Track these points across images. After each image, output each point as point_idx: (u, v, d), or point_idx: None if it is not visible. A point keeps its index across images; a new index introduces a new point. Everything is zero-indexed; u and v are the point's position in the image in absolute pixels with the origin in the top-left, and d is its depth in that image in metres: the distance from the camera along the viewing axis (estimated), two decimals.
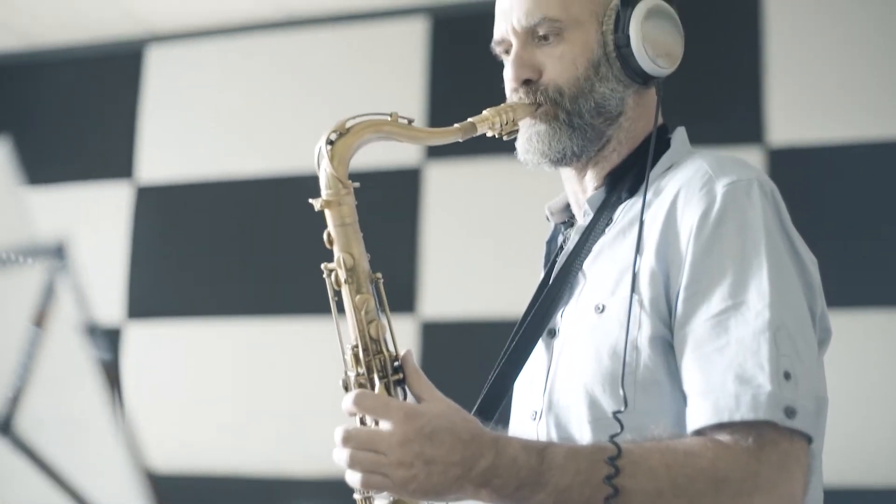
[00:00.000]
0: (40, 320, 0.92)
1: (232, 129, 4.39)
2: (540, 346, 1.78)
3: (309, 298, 4.05)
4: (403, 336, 3.96)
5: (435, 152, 4.06)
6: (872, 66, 3.73)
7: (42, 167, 4.61)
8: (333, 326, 1.63)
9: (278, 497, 4.04)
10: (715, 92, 3.86)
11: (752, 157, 3.70)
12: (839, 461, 3.33)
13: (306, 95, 4.33)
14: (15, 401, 0.92)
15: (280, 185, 4.28)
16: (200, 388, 4.27)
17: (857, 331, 3.52)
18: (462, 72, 4.09)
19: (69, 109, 4.65)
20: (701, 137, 3.68)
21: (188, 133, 4.47)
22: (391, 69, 4.26)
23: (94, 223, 4.51)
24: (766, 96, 3.79)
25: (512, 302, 3.53)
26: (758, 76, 3.81)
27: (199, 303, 4.34)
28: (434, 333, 3.98)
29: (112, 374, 0.94)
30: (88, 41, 4.62)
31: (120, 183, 4.49)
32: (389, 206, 4.17)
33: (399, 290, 4.02)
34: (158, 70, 4.55)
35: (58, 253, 0.93)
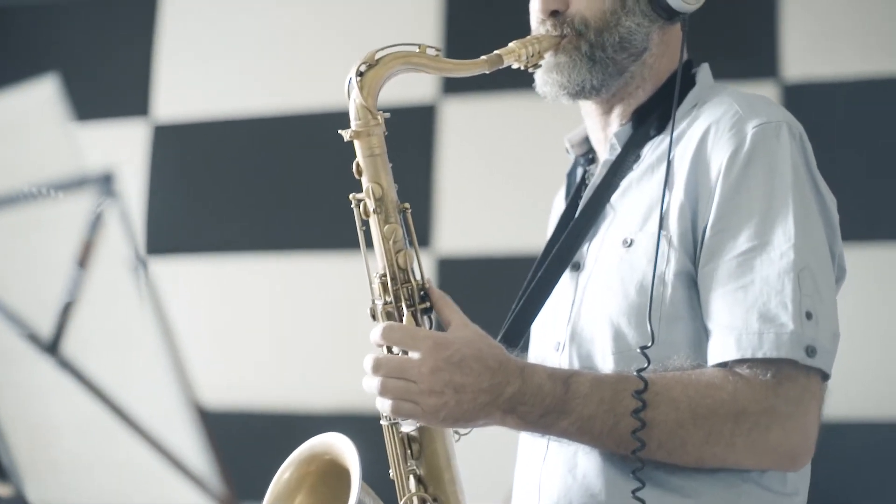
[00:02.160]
0: (88, 247, 0.95)
1: (247, 66, 4.39)
2: (565, 278, 1.80)
3: (329, 233, 4.07)
4: None
5: (451, 88, 4.05)
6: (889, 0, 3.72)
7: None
8: (360, 258, 1.65)
9: (307, 432, 4.08)
10: (729, 26, 3.85)
11: (766, 92, 3.69)
12: (852, 396, 3.37)
13: (323, 29, 4.31)
14: (62, 323, 0.95)
15: (298, 122, 4.28)
16: (220, 323, 4.30)
17: (871, 266, 3.53)
18: (480, 5, 4.08)
19: (85, 47, 4.64)
20: (715, 72, 3.70)
21: (205, 70, 4.46)
22: (408, 2, 4.25)
23: (112, 162, 4.51)
24: (781, 31, 3.78)
25: (527, 237, 3.56)
26: (773, 10, 3.79)
27: (217, 239, 4.35)
28: (450, 269, 4.00)
29: (158, 301, 0.97)
30: None
31: (136, 121, 4.50)
32: (405, 142, 4.17)
33: (415, 226, 4.02)
34: (174, 5, 4.55)
35: (106, 183, 0.96)
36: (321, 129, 4.13)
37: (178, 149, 4.46)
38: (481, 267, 3.98)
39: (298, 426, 4.01)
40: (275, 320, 4.22)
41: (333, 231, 3.96)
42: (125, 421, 0.95)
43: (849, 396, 3.37)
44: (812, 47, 3.74)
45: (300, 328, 4.17)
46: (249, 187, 4.33)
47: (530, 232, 3.62)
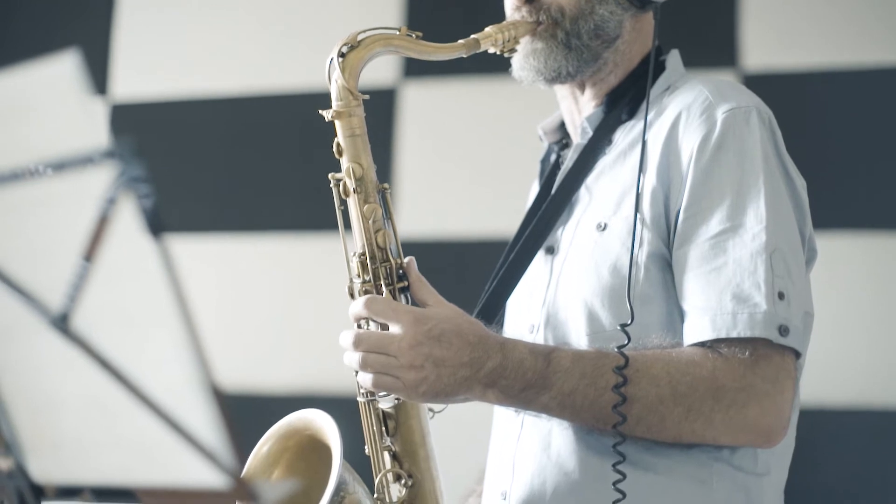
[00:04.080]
0: (104, 221, 0.96)
1: (206, 45, 4.37)
2: (539, 262, 1.83)
3: (298, 215, 4.07)
4: None
5: (411, 72, 4.06)
6: None
7: None
8: (338, 236, 1.67)
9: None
10: (689, 15, 3.87)
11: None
12: (831, 382, 3.43)
13: (285, 10, 4.30)
14: (74, 297, 0.97)
15: (261, 104, 4.27)
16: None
17: (832, 254, 3.58)
18: None
19: (43, 25, 4.60)
20: None
21: (162, 50, 4.44)
22: None
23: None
24: (740, 20, 3.82)
25: (488, 222, 3.59)
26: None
27: (178, 220, 4.32)
28: (410, 252, 4.00)
29: (177, 276, 0.98)
30: None
31: (95, 100, 4.46)
32: (366, 125, 4.17)
33: None
34: None
35: (124, 158, 0.97)
36: (284, 110, 4.15)
37: (137, 128, 4.43)
38: (442, 251, 3.99)
39: (280, 407, 4.02)
40: (246, 299, 4.20)
41: (307, 212, 3.97)
42: (134, 395, 0.96)
43: (848, 383, 3.43)
44: (771, 37, 3.78)
45: (266, 308, 4.16)
46: (211, 168, 4.31)
47: (491, 216, 3.64)
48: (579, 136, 1.86)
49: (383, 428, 1.65)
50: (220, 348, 4.18)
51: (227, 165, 4.30)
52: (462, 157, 4.06)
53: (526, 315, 1.83)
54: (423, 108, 4.09)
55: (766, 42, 3.77)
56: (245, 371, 4.11)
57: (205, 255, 4.26)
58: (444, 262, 3.93)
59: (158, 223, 0.97)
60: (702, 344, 1.59)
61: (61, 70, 0.94)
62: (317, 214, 4.01)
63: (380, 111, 4.12)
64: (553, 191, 1.84)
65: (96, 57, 4.46)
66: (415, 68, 4.02)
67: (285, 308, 4.14)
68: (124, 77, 4.43)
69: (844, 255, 3.57)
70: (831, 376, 3.44)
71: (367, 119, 4.01)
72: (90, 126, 0.96)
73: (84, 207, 0.96)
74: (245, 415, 3.86)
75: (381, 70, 3.96)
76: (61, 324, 0.97)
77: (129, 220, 0.95)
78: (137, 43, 4.45)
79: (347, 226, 1.68)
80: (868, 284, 3.57)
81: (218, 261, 4.24)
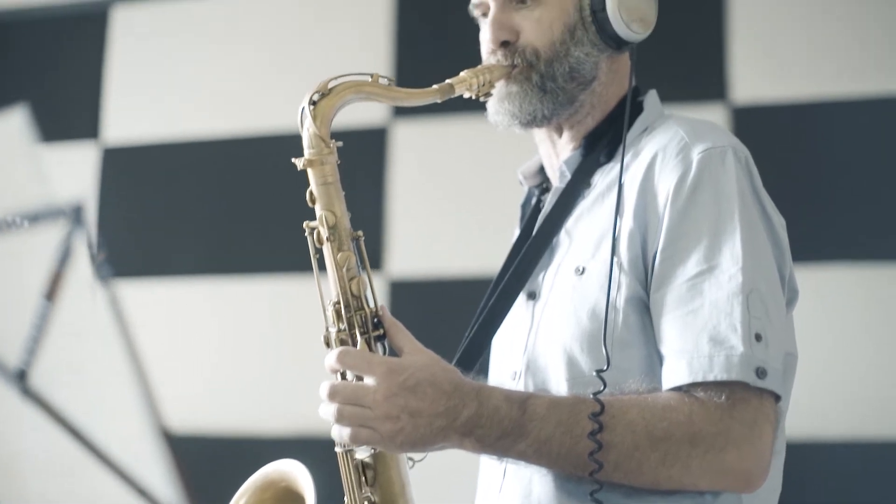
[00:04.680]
0: (57, 278, 0.95)
1: (198, 89, 4.38)
2: (521, 308, 1.82)
3: (284, 256, 4.07)
4: None
5: (402, 112, 4.07)
6: (840, 19, 3.75)
7: None
8: (313, 284, 1.67)
9: (259, 456, 4.07)
10: (677, 48, 3.88)
11: (715, 115, 3.73)
12: (820, 416, 3.41)
13: (273, 53, 4.31)
14: (31, 353, 0.96)
15: (248, 145, 4.28)
16: (171, 349, 4.28)
17: (819, 286, 3.57)
18: (428, 25, 4.10)
19: (34, 70, 4.61)
20: (663, 96, 3.74)
21: (155, 93, 4.45)
22: (359, 23, 4.25)
23: (60, 185, 4.49)
24: (728, 53, 3.83)
25: (479, 260, 3.58)
26: (720, 33, 3.83)
27: (166, 263, 4.33)
28: (402, 292, 4.00)
29: (125, 328, 0.97)
30: (52, 1, 4.60)
31: (86, 144, 4.48)
32: (357, 165, 4.16)
33: (367, 249, 4.01)
34: (124, 29, 4.53)
35: (75, 213, 0.97)
36: (272, 152, 4.15)
37: (128, 171, 4.44)
38: (433, 290, 3.98)
39: (259, 450, 4.00)
40: (228, 344, 4.20)
41: (288, 254, 3.95)
42: (91, 451, 0.95)
43: (844, 415, 3.42)
44: (760, 70, 3.78)
45: (255, 352, 4.16)
46: (200, 211, 4.31)
47: (482, 255, 3.63)
48: (558, 179, 1.85)
49: (362, 478, 1.63)
50: (208, 389, 4.18)
51: (212, 207, 4.30)
52: (454, 196, 4.06)
53: (509, 361, 1.82)
54: (415, 147, 4.10)
55: (755, 75, 3.78)
56: (231, 414, 4.10)
57: (190, 298, 4.26)
58: (436, 301, 3.92)
59: (111, 275, 0.96)
60: (679, 388, 1.58)
61: (10, 125, 0.93)
62: (291, 257, 4.02)
63: (371, 150, 4.13)
64: (533, 234, 1.83)
65: (90, 102, 4.48)
66: (405, 108, 4.03)
67: (269, 349, 4.14)
68: (116, 122, 4.44)
69: (838, 286, 3.56)
70: (826, 408, 3.43)
71: (359, 158, 4.06)
72: (39, 181, 0.95)
73: (35, 262, 0.95)
74: (223, 459, 3.87)
75: (372, 109, 3.96)
76: (19, 381, 0.96)
77: (81, 274, 0.94)
78: (128, 89, 4.46)
79: (322, 268, 1.67)
80: (863, 315, 3.56)
81: (205, 303, 4.24)
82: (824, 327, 3.51)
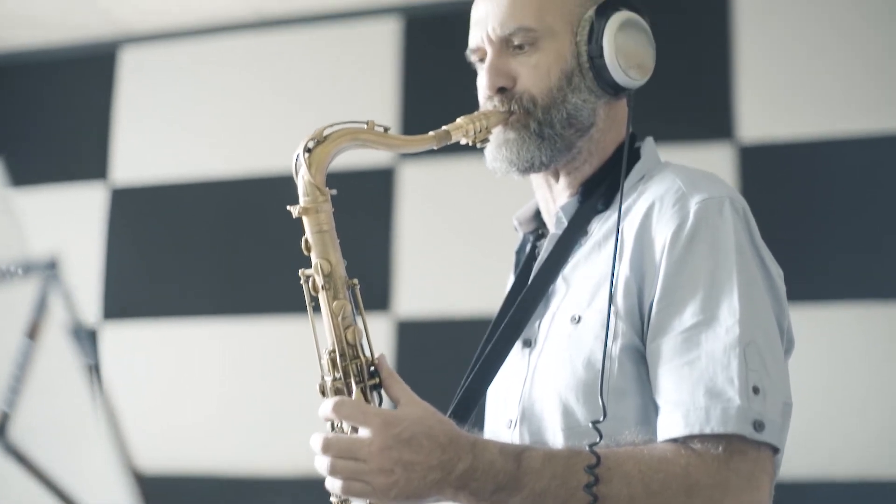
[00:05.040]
0: (33, 332, 0.95)
1: (206, 131, 4.40)
2: (517, 356, 1.81)
3: (285, 298, 4.07)
4: (378, 335, 4.00)
5: (408, 153, 4.08)
6: (845, 60, 3.77)
7: (16, 169, 4.61)
8: (310, 330, 1.66)
9: (257, 497, 4.07)
10: (684, 88, 3.89)
11: (722, 154, 3.74)
12: (826, 455, 3.38)
13: (280, 96, 4.34)
14: (9, 409, 0.95)
15: (254, 186, 4.29)
16: (177, 389, 4.28)
17: (827, 325, 3.56)
18: (435, 72, 4.12)
19: (43, 111, 4.65)
20: (671, 135, 3.76)
21: (162, 134, 4.47)
22: (365, 69, 4.28)
23: (69, 225, 4.52)
24: (735, 92, 3.83)
25: (487, 301, 3.56)
26: (727, 72, 3.84)
27: (175, 304, 4.34)
28: (409, 332, 4.00)
29: (97, 378, 0.97)
30: (62, 42, 4.63)
31: (94, 184, 4.49)
32: (364, 206, 4.19)
33: (374, 289, 4.04)
34: (132, 71, 4.56)
35: (50, 266, 0.96)
36: (276, 193, 4.15)
37: (136, 212, 4.46)
38: (440, 330, 3.98)
39: (260, 492, 3.99)
40: (234, 384, 4.21)
41: (291, 295, 3.96)
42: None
43: (848, 454, 3.40)
44: (767, 109, 3.80)
45: (258, 392, 4.16)
46: (207, 251, 4.32)
47: (489, 295, 3.62)
48: (554, 225, 1.85)
49: None
50: (218, 427, 4.18)
51: (219, 247, 4.31)
52: (461, 236, 4.06)
53: (504, 410, 1.81)
54: (422, 188, 4.11)
55: (762, 113, 3.78)
56: (242, 452, 4.09)
57: (195, 338, 4.27)
58: (443, 341, 3.92)
59: (85, 330, 0.95)
60: (675, 440, 1.56)
61: None
62: (287, 297, 4.02)
63: (379, 191, 4.14)
64: (529, 282, 1.82)
65: (98, 143, 4.50)
66: None
67: (255, 390, 4.14)
68: (124, 163, 4.46)
69: (848, 325, 3.55)
70: (831, 448, 3.41)
71: (367, 199, 4.07)
72: (15, 237, 0.95)
73: (13, 317, 0.94)
74: (213, 500, 3.85)
75: (378, 152, 3.97)
76: None
77: (56, 326, 0.94)
78: (136, 130, 4.49)
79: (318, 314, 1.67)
80: (870, 354, 3.54)
81: (211, 342, 4.24)
82: (832, 366, 3.50)
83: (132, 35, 4.54)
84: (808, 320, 3.54)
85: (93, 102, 4.57)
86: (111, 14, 4.38)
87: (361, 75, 4.28)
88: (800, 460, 3.28)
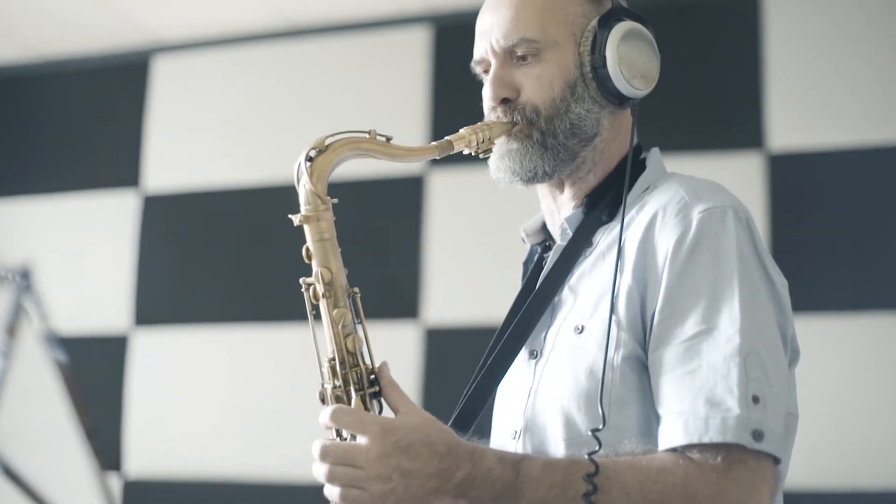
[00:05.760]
0: (8, 339, 0.96)
1: (237, 139, 4.43)
2: (523, 367, 1.81)
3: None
4: (407, 342, 4.01)
5: (438, 160, 4.08)
6: (873, 69, 3.75)
7: (50, 176, 4.66)
8: (312, 339, 1.67)
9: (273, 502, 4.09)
10: (714, 97, 3.88)
11: (752, 163, 3.72)
12: (834, 464, 3.36)
13: (310, 105, 4.36)
14: None
15: (284, 194, 4.29)
16: (208, 395, 4.31)
17: (857, 335, 3.54)
18: (465, 81, 4.10)
19: (77, 119, 4.70)
20: (700, 144, 3.74)
21: (194, 142, 4.51)
22: (394, 78, 4.30)
23: (102, 232, 4.56)
24: (765, 101, 3.81)
25: None
26: (758, 81, 3.83)
27: (206, 310, 4.37)
28: (438, 340, 4.01)
29: (72, 384, 0.98)
30: (95, 52, 4.67)
31: (127, 192, 4.53)
32: (394, 214, 4.20)
33: (403, 297, 4.05)
34: (164, 80, 4.60)
35: (24, 276, 0.98)
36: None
37: (168, 219, 4.49)
38: (469, 337, 3.97)
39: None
40: (260, 390, 4.23)
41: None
42: None
43: (850, 465, 3.37)
44: (797, 118, 3.78)
45: (283, 398, 4.17)
46: (238, 257, 4.35)
47: None
48: (559, 237, 1.85)
49: None
50: (225, 432, 4.20)
51: (250, 254, 4.34)
52: (490, 244, 4.06)
53: (510, 421, 1.81)
54: (452, 196, 4.11)
55: (792, 122, 3.76)
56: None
57: (236, 343, 4.29)
58: (472, 348, 3.90)
59: (56, 337, 0.97)
60: (674, 449, 1.55)
61: None
62: (299, 306, 4.04)
63: (408, 199, 4.14)
64: (534, 292, 1.82)
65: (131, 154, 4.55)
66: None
67: (287, 396, 4.16)
68: (156, 170, 4.50)
69: (883, 333, 3.52)
70: (833, 458, 3.38)
71: (396, 207, 4.08)
72: None
73: None
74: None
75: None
76: None
77: (31, 335, 0.96)
78: (167, 140, 4.53)
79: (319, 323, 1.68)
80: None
81: (247, 348, 4.27)
82: (862, 377, 3.48)
83: (164, 44, 4.58)
84: (844, 330, 3.52)
85: (125, 111, 4.62)
86: (144, 25, 4.42)
87: (391, 84, 4.30)
88: (807, 470, 3.27)
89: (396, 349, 4.01)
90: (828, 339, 3.53)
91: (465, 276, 4.07)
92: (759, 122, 3.80)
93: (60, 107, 4.73)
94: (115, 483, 4.27)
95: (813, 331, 3.50)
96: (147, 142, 4.55)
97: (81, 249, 4.58)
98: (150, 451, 4.30)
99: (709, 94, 3.87)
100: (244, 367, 4.27)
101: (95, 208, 4.57)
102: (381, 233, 4.20)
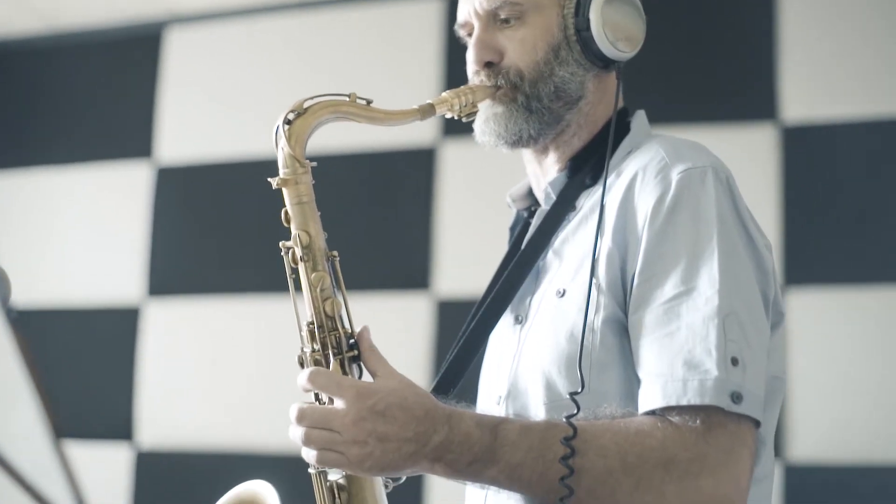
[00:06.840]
0: None
1: (250, 110, 4.43)
2: (509, 333, 1.81)
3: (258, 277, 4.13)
4: (419, 314, 4.00)
5: (451, 131, 4.07)
6: (887, 40, 3.70)
7: (63, 148, 4.67)
8: (292, 304, 1.67)
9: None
10: (727, 69, 3.85)
11: (765, 135, 3.69)
12: (826, 439, 3.34)
13: (324, 76, 4.35)
14: None
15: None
16: (221, 366, 4.32)
17: (873, 308, 3.51)
18: None
19: (90, 91, 4.70)
20: (714, 115, 3.71)
21: (207, 114, 4.51)
22: (409, 49, 4.28)
23: (115, 203, 4.57)
24: (779, 73, 3.78)
25: None
26: (771, 52, 3.79)
27: (219, 281, 4.38)
28: (449, 311, 4.00)
29: (25, 350, 0.98)
30: (109, 23, 4.67)
31: (140, 163, 4.54)
32: (405, 185, 4.20)
33: (414, 269, 4.05)
34: (178, 51, 4.60)
35: None
36: (322, 171, 4.18)
37: (181, 191, 4.50)
38: None
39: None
40: (273, 361, 4.23)
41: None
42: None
43: (852, 440, 3.35)
44: (811, 89, 3.74)
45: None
46: (251, 229, 4.35)
47: None
48: (543, 201, 1.83)
49: (336, 500, 1.62)
50: (238, 403, 4.22)
51: (262, 226, 4.34)
52: (502, 215, 4.03)
53: (495, 387, 1.81)
54: (464, 167, 4.10)
55: (807, 94, 3.73)
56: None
57: (248, 315, 4.30)
58: None
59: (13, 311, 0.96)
60: (653, 412, 1.54)
61: None
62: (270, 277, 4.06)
63: (420, 170, 4.13)
64: (516, 257, 1.81)
65: (144, 125, 4.55)
66: (454, 127, 4.02)
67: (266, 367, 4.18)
68: (169, 142, 4.51)
69: (886, 309, 3.50)
70: (832, 431, 3.36)
71: (409, 177, 4.07)
72: None
73: None
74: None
75: (420, 129, 3.97)
76: None
77: None
78: (180, 112, 4.53)
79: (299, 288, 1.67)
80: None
81: (259, 320, 4.28)
82: (842, 350, 3.46)
83: (178, 16, 4.58)
84: (860, 303, 3.49)
85: (139, 82, 4.62)
86: None
87: (405, 55, 4.28)
88: (814, 444, 3.26)
89: (408, 320, 4.01)
90: (842, 313, 3.50)
91: (477, 248, 4.06)
92: (773, 94, 3.77)
93: (74, 78, 4.74)
94: (128, 454, 4.30)
95: (829, 305, 3.47)
96: (160, 113, 4.55)
97: (94, 221, 4.59)
98: (162, 422, 4.31)
99: (722, 65, 3.84)
100: (258, 338, 4.27)
101: (109, 179, 4.58)
102: (393, 204, 4.19)
